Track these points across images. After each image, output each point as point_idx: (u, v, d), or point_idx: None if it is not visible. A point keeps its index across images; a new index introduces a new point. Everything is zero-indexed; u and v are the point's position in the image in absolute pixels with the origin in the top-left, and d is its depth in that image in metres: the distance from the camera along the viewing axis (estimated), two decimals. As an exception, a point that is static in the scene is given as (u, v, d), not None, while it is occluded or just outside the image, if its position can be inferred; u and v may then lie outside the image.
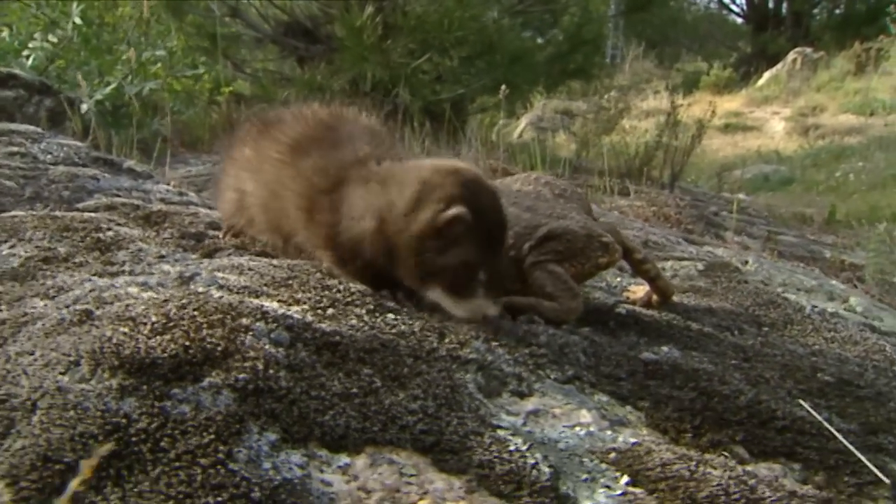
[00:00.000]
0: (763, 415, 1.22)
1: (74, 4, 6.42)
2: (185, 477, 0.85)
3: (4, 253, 1.47)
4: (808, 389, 1.36)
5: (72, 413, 0.91)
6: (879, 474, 1.08)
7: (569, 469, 1.02)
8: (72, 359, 0.99)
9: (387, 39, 6.24)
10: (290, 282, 1.37)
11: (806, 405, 1.27)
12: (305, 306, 1.25)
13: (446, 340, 1.27)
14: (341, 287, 1.38)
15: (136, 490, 0.83)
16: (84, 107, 5.77)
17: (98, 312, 1.12)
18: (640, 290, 1.76)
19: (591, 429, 1.13)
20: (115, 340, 1.01)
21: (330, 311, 1.26)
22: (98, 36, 6.88)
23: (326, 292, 1.34)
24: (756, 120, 16.15)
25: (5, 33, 6.65)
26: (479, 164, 4.76)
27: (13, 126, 2.64)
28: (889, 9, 15.88)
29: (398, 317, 1.32)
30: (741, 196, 8.46)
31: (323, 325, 1.19)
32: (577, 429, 1.13)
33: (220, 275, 1.34)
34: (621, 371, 1.32)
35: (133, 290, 1.23)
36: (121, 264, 1.48)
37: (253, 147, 1.57)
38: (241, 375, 1.00)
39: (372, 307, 1.32)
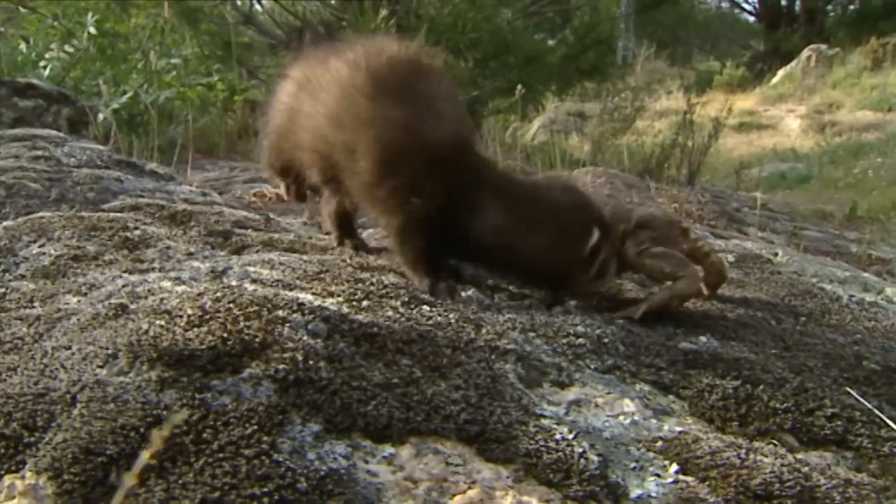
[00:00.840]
0: (810, 402, 1.19)
1: (89, 15, 6.47)
2: (229, 468, 0.83)
3: (35, 252, 1.46)
4: (853, 377, 1.33)
5: (112, 406, 0.90)
6: (937, 460, 1.05)
7: (616, 458, 0.99)
8: (109, 352, 0.98)
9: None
10: (323, 275, 1.36)
11: (854, 393, 1.24)
12: (340, 298, 1.24)
13: (483, 331, 1.25)
14: (374, 280, 1.36)
15: (180, 482, 0.82)
16: (101, 115, 5.80)
17: (133, 306, 1.11)
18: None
19: (636, 417, 1.11)
20: (151, 333, 1.00)
21: (365, 302, 1.24)
22: (113, 46, 6.93)
23: (360, 285, 1.32)
24: (771, 118, 16.04)
25: (23, 45, 6.71)
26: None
27: (36, 131, 2.65)
28: (904, 3, 15.75)
29: (434, 308, 1.30)
30: (758, 194, 8.39)
31: (359, 317, 1.17)
32: (621, 418, 1.10)
33: (252, 269, 1.32)
34: (661, 360, 1.29)
35: (166, 284, 1.21)
36: (150, 261, 1.47)
37: (320, 66, 1.47)
38: (281, 366, 0.98)
39: (407, 299, 1.31)
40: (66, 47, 6.54)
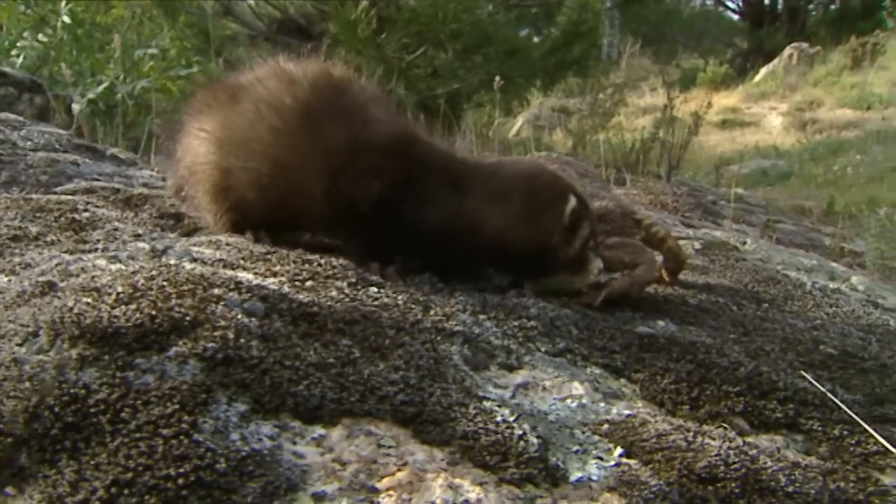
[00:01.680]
0: (764, 386, 1.17)
1: (63, 3, 6.36)
2: (145, 448, 0.79)
3: (-27, 232, 1.41)
4: (810, 362, 1.30)
5: (27, 385, 0.85)
6: (886, 444, 1.02)
7: (559, 441, 0.96)
8: (30, 330, 0.94)
9: (381, 33, 6.19)
10: (270, 256, 1.32)
11: (808, 376, 1.21)
12: (283, 278, 1.20)
13: (431, 313, 1.22)
14: (322, 261, 1.33)
15: (92, 463, 0.78)
16: (76, 106, 5.71)
17: (62, 284, 1.07)
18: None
19: (584, 401, 1.08)
20: (76, 310, 0.96)
21: (309, 283, 1.21)
22: (90, 35, 6.83)
23: (307, 266, 1.29)
24: (753, 115, 16.10)
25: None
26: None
27: (-6, 115, 2.58)
28: (884, 3, 15.84)
29: (382, 290, 1.26)
30: (739, 190, 8.42)
31: (300, 296, 1.13)
32: (569, 401, 1.07)
33: (195, 249, 1.28)
34: (615, 344, 1.26)
35: (101, 262, 1.17)
36: (94, 242, 1.42)
37: (234, 114, 1.40)
38: (210, 344, 0.94)
39: (354, 280, 1.27)
40: (40, 35, 6.43)
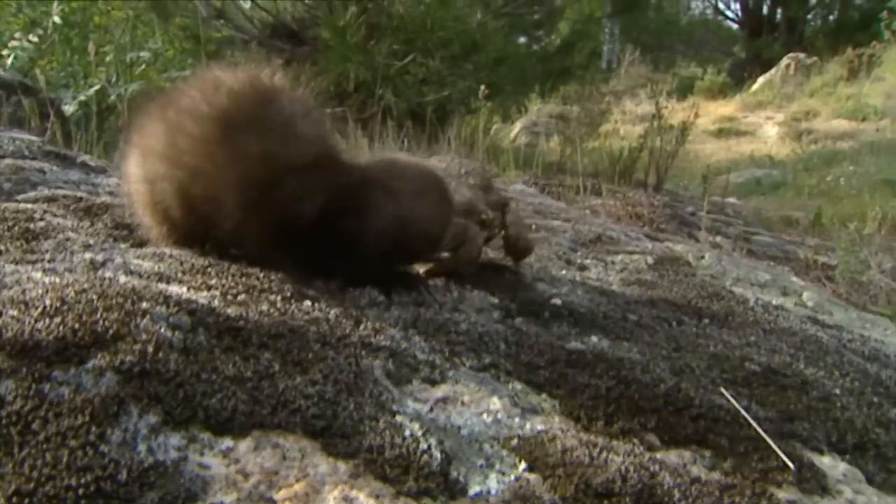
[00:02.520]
0: (679, 402, 1.20)
1: (55, 4, 6.40)
2: (50, 459, 0.82)
3: (-77, 241, 1.45)
4: (732, 378, 1.34)
5: (-56, 395, 0.89)
6: (786, 459, 1.06)
7: (465, 455, 1.00)
8: (-48, 341, 0.97)
9: (371, 40, 6.23)
10: (209, 269, 1.35)
11: (726, 393, 1.24)
12: (216, 292, 1.23)
13: (361, 328, 1.25)
14: (262, 275, 1.36)
15: (-2, 472, 0.81)
16: (68, 108, 5.76)
17: (-6, 295, 1.10)
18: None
19: (499, 416, 1.11)
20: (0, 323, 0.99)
21: (242, 297, 1.24)
22: (83, 37, 6.87)
23: (244, 279, 1.32)
24: (750, 125, 16.15)
25: (-11, 34, 6.64)
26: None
27: (-33, 121, 2.62)
28: (881, 15, 15.89)
29: (316, 304, 1.29)
30: (732, 200, 8.45)
31: (229, 311, 1.16)
32: (485, 416, 1.10)
33: (134, 261, 1.32)
34: (541, 360, 1.29)
35: (36, 275, 1.20)
36: (42, 253, 1.45)
37: (157, 124, 1.39)
38: (128, 358, 0.97)
39: (289, 294, 1.30)
40: (31, 36, 6.47)
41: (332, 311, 1.28)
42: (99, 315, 1.04)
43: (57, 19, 6.01)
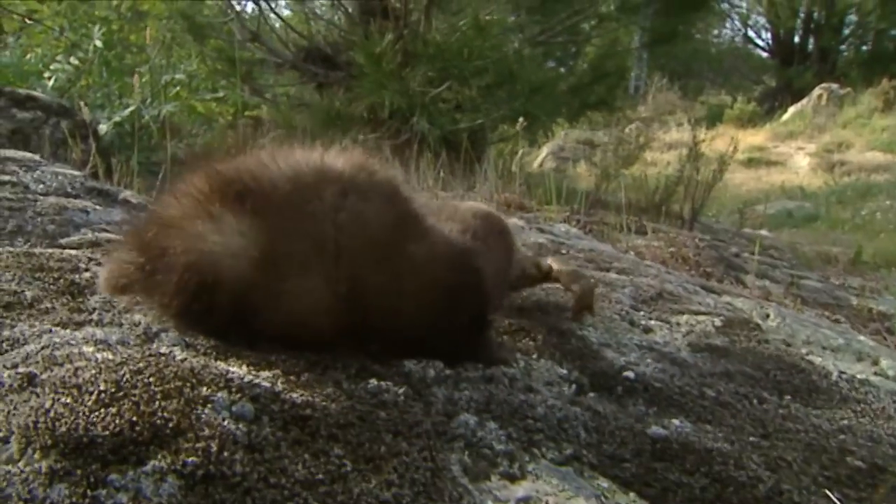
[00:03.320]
0: (784, 509, 1.09)
1: (96, 28, 6.45)
2: (109, 586, 0.74)
3: (-36, 297, 1.38)
4: (835, 477, 1.22)
5: (-8, 501, 0.80)
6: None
7: (559, 576, 0.89)
8: (1, 435, 0.89)
9: (406, 67, 6.19)
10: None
11: (833, 497, 1.13)
12: (278, 370, 1.14)
13: (433, 411, 1.16)
14: (323, 348, 1.27)
15: None
16: (102, 128, 5.76)
17: (43, 377, 1.02)
18: None
19: (589, 522, 1.01)
20: (52, 414, 0.91)
21: (305, 376, 1.15)
22: (120, 58, 6.91)
23: (306, 352, 1.23)
24: (780, 155, 15.97)
25: (30, 55, 6.71)
26: (493, 199, 4.66)
27: (9, 153, 2.57)
28: (918, 46, 15.71)
29: (382, 382, 1.20)
30: (764, 232, 8.30)
31: (294, 395, 1.07)
32: (572, 521, 1.00)
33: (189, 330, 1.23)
34: (626, 450, 1.19)
35: (88, 349, 1.12)
36: (90, 312, 1.37)
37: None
38: (191, 459, 0.88)
39: (354, 371, 1.21)
40: (72, 59, 6.52)
41: (401, 391, 1.18)
42: (157, 405, 0.95)
43: (98, 43, 6.05)
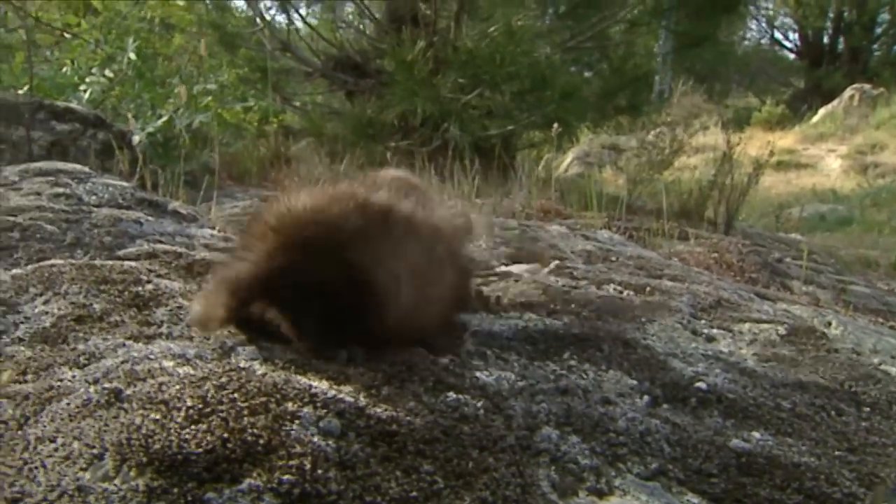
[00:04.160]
0: (885, 528, 1.05)
1: (130, 40, 6.52)
2: None
3: (38, 310, 1.38)
4: (930, 492, 1.18)
5: (92, 520, 0.79)
6: None
7: None
8: (95, 451, 0.88)
9: (437, 74, 6.19)
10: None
11: (934, 515, 1.09)
12: (358, 384, 1.12)
13: (514, 425, 1.13)
14: (396, 359, 1.25)
15: None
16: (136, 139, 5.82)
17: (128, 392, 1.01)
18: None
19: (685, 541, 0.98)
20: (144, 430, 0.89)
21: (385, 389, 1.13)
22: (152, 69, 6.97)
23: (382, 366, 1.21)
24: (810, 157, 15.76)
25: (66, 68, 6.80)
26: (530, 205, 4.62)
27: (61, 165, 2.59)
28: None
29: (460, 395, 1.18)
30: (797, 236, 8.17)
31: (378, 410, 1.05)
32: (669, 541, 0.97)
33: (264, 344, 1.22)
34: (711, 465, 1.15)
35: (168, 364, 1.11)
36: (158, 325, 1.37)
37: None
38: (286, 477, 0.87)
39: (431, 384, 1.19)
40: (107, 71, 6.60)
41: (480, 405, 1.16)
42: (246, 421, 0.94)
43: (132, 55, 6.10)
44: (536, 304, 1.89)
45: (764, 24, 23.22)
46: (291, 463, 0.89)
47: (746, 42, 24.50)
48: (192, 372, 1.07)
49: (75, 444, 0.90)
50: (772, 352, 1.76)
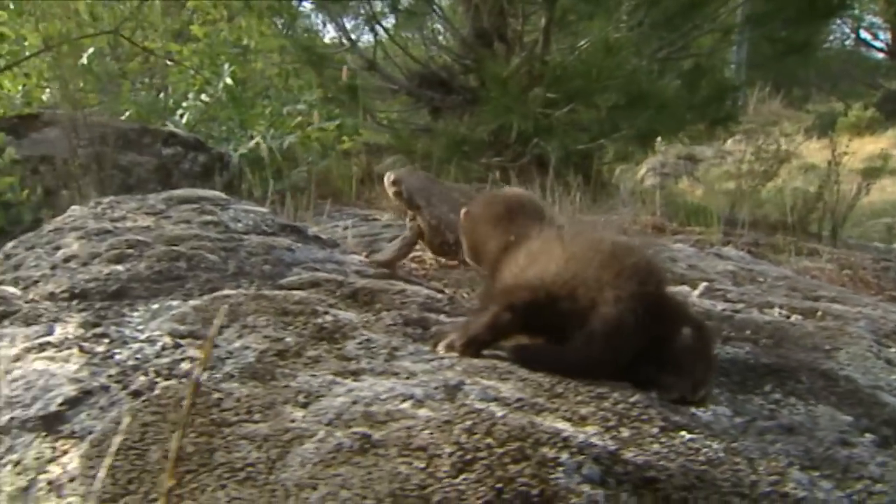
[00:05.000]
0: None
1: (226, 65, 6.68)
2: None
3: (237, 345, 1.37)
4: None
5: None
6: None
7: None
8: (370, 502, 0.85)
9: (530, 89, 6.14)
10: (557, 388, 1.20)
11: None
12: (596, 426, 1.07)
13: (761, 470, 1.06)
14: (616, 395, 1.19)
15: None
16: (233, 159, 5.96)
17: (377, 436, 0.98)
18: None
19: None
20: (415, 481, 0.86)
21: (625, 431, 1.07)
22: (244, 92, 7.13)
23: (605, 403, 1.16)
24: (905, 163, 15.06)
25: (162, 94, 7.01)
26: (636, 221, 4.52)
27: (200, 192, 2.63)
28: None
29: (692, 434, 1.11)
30: (899, 247, 7.79)
31: (629, 455, 1.00)
32: None
33: (486, 383, 1.18)
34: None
35: (404, 405, 1.08)
36: (356, 359, 1.35)
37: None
38: (572, 532, 0.82)
39: (662, 424, 1.13)
40: (203, 96, 6.78)
41: (716, 446, 1.09)
42: (511, 469, 0.89)
43: (228, 80, 6.25)
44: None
45: (847, 28, 22.42)
46: (574, 517, 0.84)
47: (828, 45, 23.64)
48: (432, 414, 1.04)
49: (343, 493, 0.87)
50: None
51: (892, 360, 1.71)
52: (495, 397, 1.12)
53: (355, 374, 1.27)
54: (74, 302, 1.70)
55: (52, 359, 1.40)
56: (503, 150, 6.49)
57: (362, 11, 8.09)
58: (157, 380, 1.25)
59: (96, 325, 1.56)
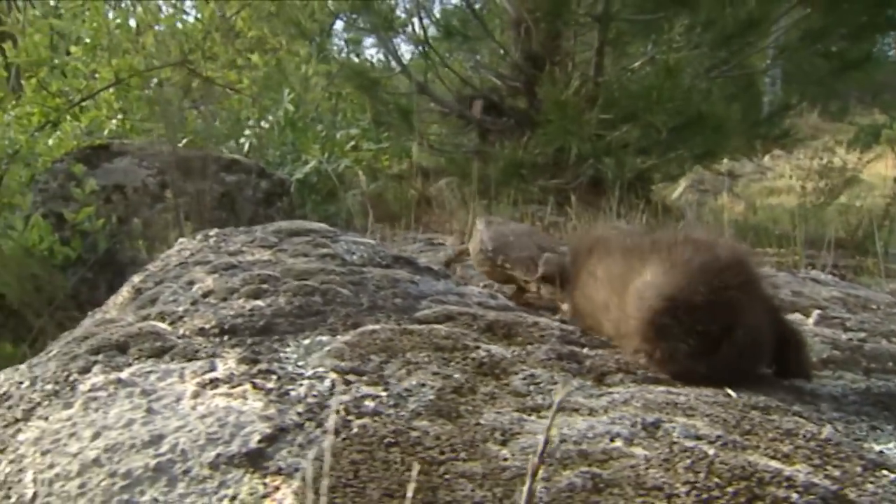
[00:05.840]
0: None
1: (286, 92, 6.81)
2: None
3: (414, 382, 1.42)
4: None
5: None
6: None
7: None
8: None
9: (588, 111, 6.18)
10: (744, 424, 1.22)
11: None
12: (804, 464, 1.09)
13: None
14: (804, 431, 1.22)
15: None
16: (293, 184, 6.07)
17: (604, 475, 1.01)
18: None
19: None
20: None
21: (832, 469, 1.10)
22: (302, 118, 7.27)
23: (799, 440, 1.18)
24: (954, 176, 14.81)
25: (218, 121, 7.18)
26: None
27: (307, 224, 2.69)
28: None
29: (893, 474, 1.13)
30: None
31: (854, 495, 1.02)
32: None
33: (681, 420, 1.21)
34: None
35: (616, 444, 1.11)
36: (529, 395, 1.39)
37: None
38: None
39: (860, 461, 1.15)
40: (262, 122, 6.93)
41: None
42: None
43: (290, 106, 6.38)
44: (840, 361, 1.82)
45: (889, 38, 22.17)
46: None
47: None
48: (648, 453, 1.07)
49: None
50: None
51: None
52: (697, 435, 1.15)
53: (535, 411, 1.30)
54: (226, 338, 1.75)
55: (229, 395, 1.45)
56: (559, 172, 6.52)
57: (414, 35, 8.21)
58: (350, 418, 1.29)
59: (255, 361, 1.61)
